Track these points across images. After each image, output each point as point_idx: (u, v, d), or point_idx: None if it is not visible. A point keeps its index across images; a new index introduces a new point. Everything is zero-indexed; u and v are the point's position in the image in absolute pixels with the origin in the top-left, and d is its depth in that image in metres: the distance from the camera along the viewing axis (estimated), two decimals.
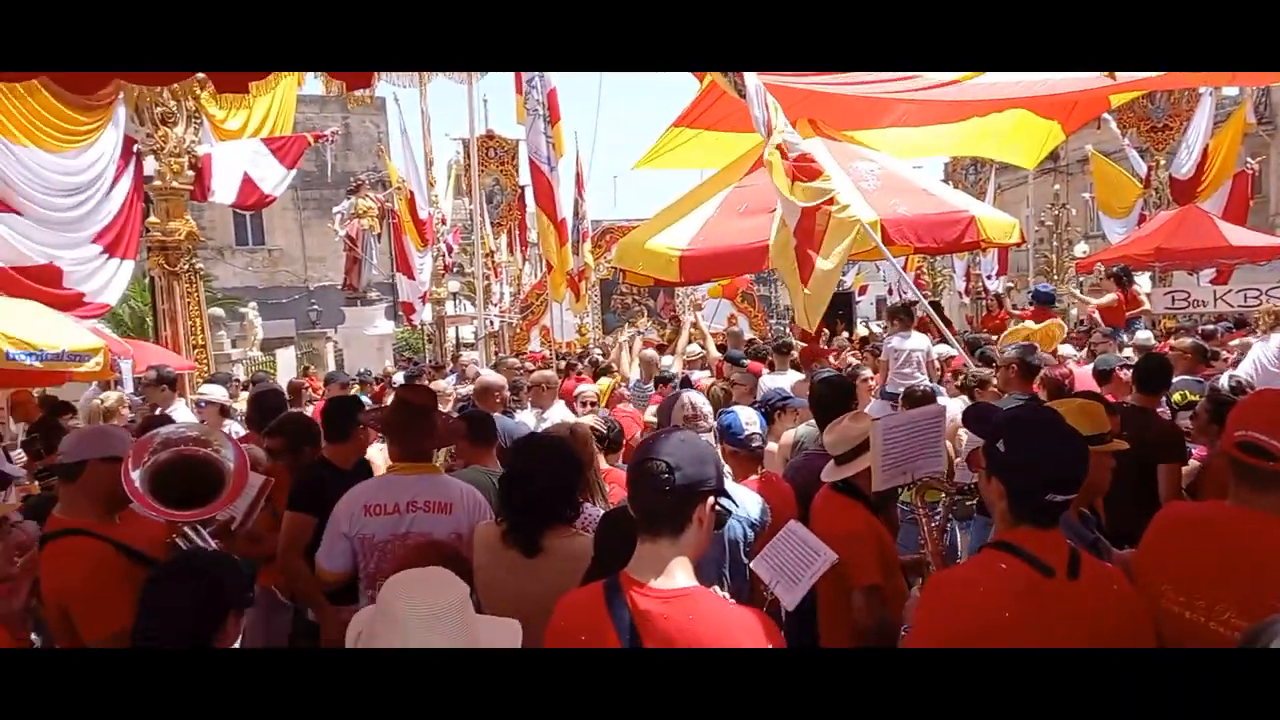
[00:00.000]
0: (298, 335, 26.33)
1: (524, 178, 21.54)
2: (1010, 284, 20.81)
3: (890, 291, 29.14)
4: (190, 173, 9.28)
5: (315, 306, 27.75)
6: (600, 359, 10.99)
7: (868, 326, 14.39)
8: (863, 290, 28.43)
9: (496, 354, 15.08)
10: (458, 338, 25.87)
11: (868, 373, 7.12)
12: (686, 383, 7.27)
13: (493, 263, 21.02)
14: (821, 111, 8.37)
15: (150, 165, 9.04)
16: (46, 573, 2.90)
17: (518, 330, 22.22)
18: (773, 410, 5.02)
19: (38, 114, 7.18)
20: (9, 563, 2.27)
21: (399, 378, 10.68)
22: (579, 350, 15.88)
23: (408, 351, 24.41)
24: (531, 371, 9.63)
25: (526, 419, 6.30)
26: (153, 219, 9.30)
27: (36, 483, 5.37)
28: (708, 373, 8.48)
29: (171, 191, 9.19)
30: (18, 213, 7.60)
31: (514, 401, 7.10)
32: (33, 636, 3.47)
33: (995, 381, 5.78)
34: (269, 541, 3.78)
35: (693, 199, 8.52)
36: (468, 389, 8.11)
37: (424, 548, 2.67)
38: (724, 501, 1.97)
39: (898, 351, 7.64)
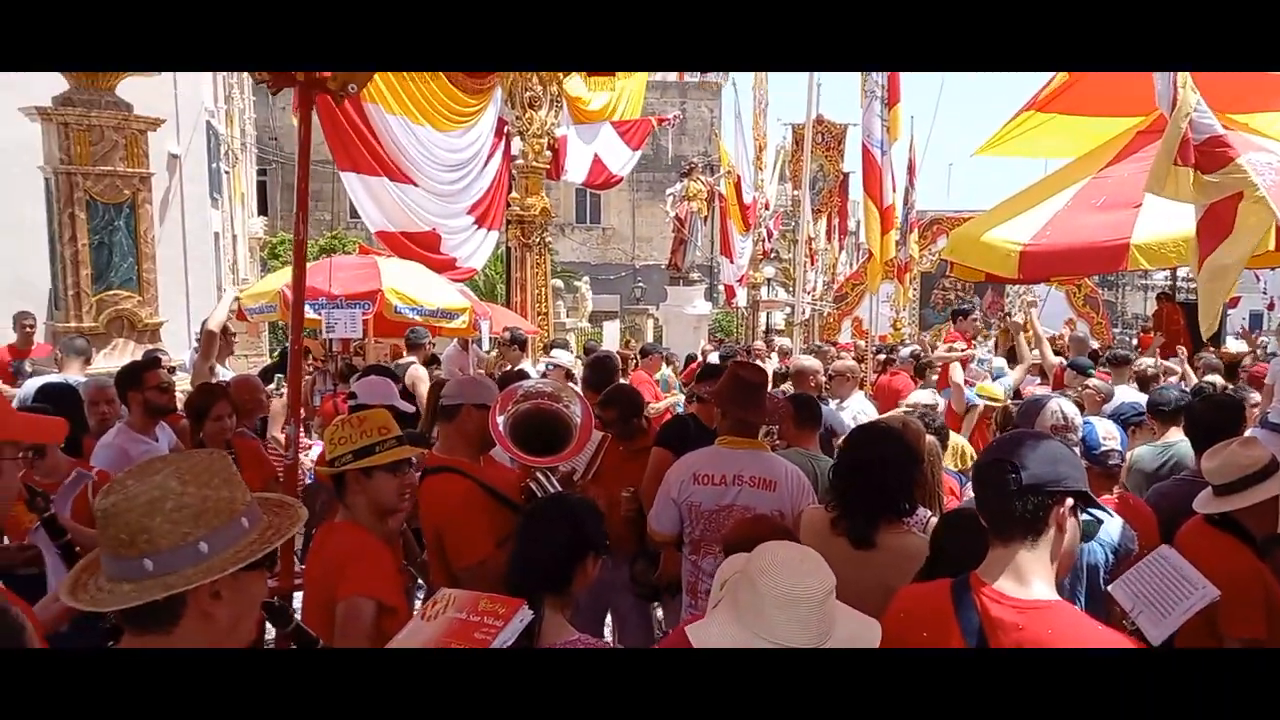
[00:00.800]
0: (622, 310, 28.01)
1: (849, 164, 21.20)
2: None
3: (1271, 306, 25.13)
4: (548, 153, 10.15)
5: (640, 283, 29.35)
6: (921, 354, 10.50)
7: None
8: (1234, 302, 24.78)
9: (805, 342, 15.01)
10: (768, 322, 26.11)
11: (1256, 396, 6.19)
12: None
13: (810, 250, 20.91)
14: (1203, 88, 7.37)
15: (515, 145, 10.03)
16: (425, 503, 3.24)
17: (829, 319, 21.94)
18: (1125, 425, 4.54)
19: (435, 96, 8.25)
20: (402, 498, 2.63)
21: (714, 357, 10.96)
22: (890, 344, 15.36)
23: (719, 333, 25.03)
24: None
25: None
26: (513, 195, 10.31)
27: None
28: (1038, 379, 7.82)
29: (531, 170, 10.13)
30: (414, 184, 8.80)
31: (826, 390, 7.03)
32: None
33: None
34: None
35: (1043, 189, 7.84)
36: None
37: (757, 521, 2.73)
38: (1092, 511, 1.80)
39: None
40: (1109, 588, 2.64)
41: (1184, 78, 3.97)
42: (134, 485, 1.43)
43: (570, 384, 7.66)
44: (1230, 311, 18.58)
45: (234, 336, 6.99)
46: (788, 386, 6.11)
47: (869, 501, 2.70)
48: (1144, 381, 6.75)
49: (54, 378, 5.51)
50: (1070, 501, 1.73)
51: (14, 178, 8.76)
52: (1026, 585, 1.72)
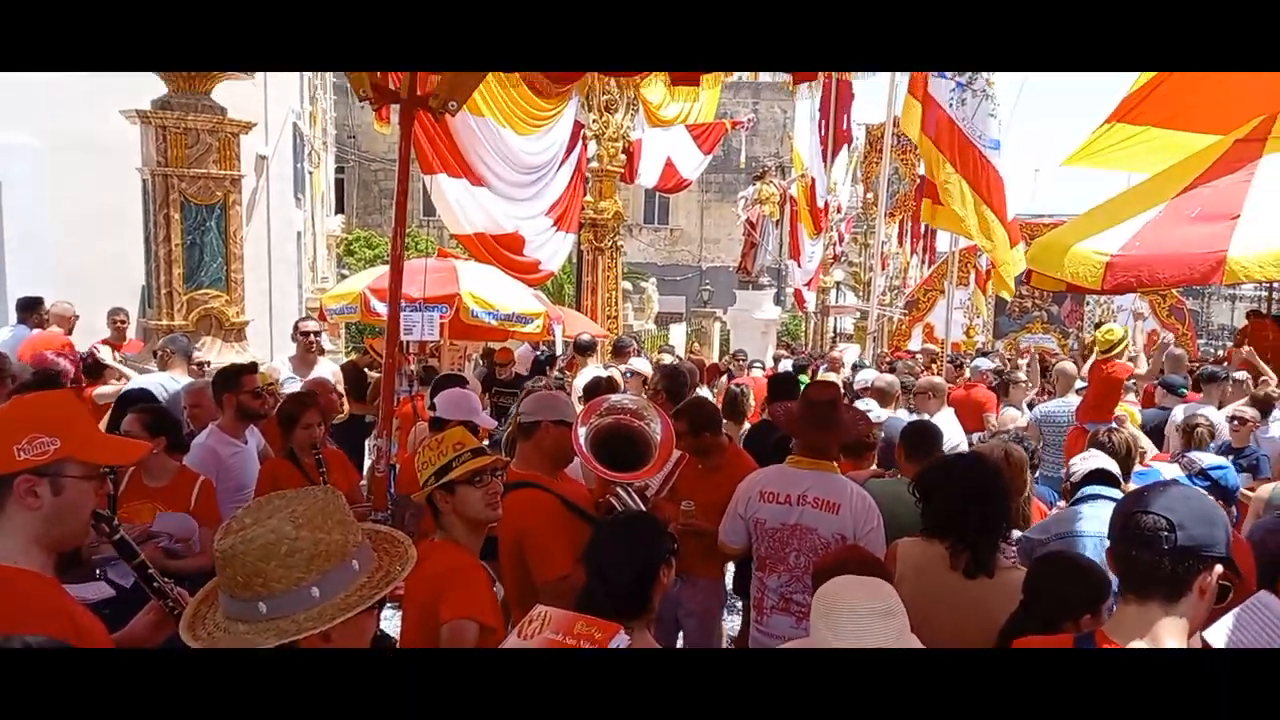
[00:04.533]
0: (688, 312, 27.96)
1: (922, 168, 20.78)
2: None
3: None
4: (623, 157, 10.18)
5: (707, 286, 29.25)
6: (1004, 370, 10.21)
7: None
8: None
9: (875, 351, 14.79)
10: (837, 327, 25.79)
11: None
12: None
13: (881, 254, 20.61)
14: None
15: (590, 148, 10.09)
16: (507, 515, 3.26)
17: (899, 325, 21.59)
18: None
19: (513, 100, 8.33)
20: (491, 507, 2.66)
21: (786, 365, 10.88)
22: (963, 353, 15.03)
23: (786, 337, 24.80)
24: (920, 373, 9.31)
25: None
26: (587, 198, 10.37)
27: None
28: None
29: (605, 173, 10.17)
30: (487, 187, 8.90)
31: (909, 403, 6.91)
32: None
33: None
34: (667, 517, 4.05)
35: (1133, 199, 7.59)
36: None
37: (848, 550, 2.69)
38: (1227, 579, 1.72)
39: None
40: (1203, 634, 2.54)
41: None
42: (251, 528, 1.46)
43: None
44: None
45: (318, 336, 7.13)
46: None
47: (990, 532, 2.68)
48: (1266, 405, 6.46)
49: (158, 377, 5.71)
50: (1219, 569, 1.67)
51: (117, 177, 9.09)
52: (1159, 647, 1.66)
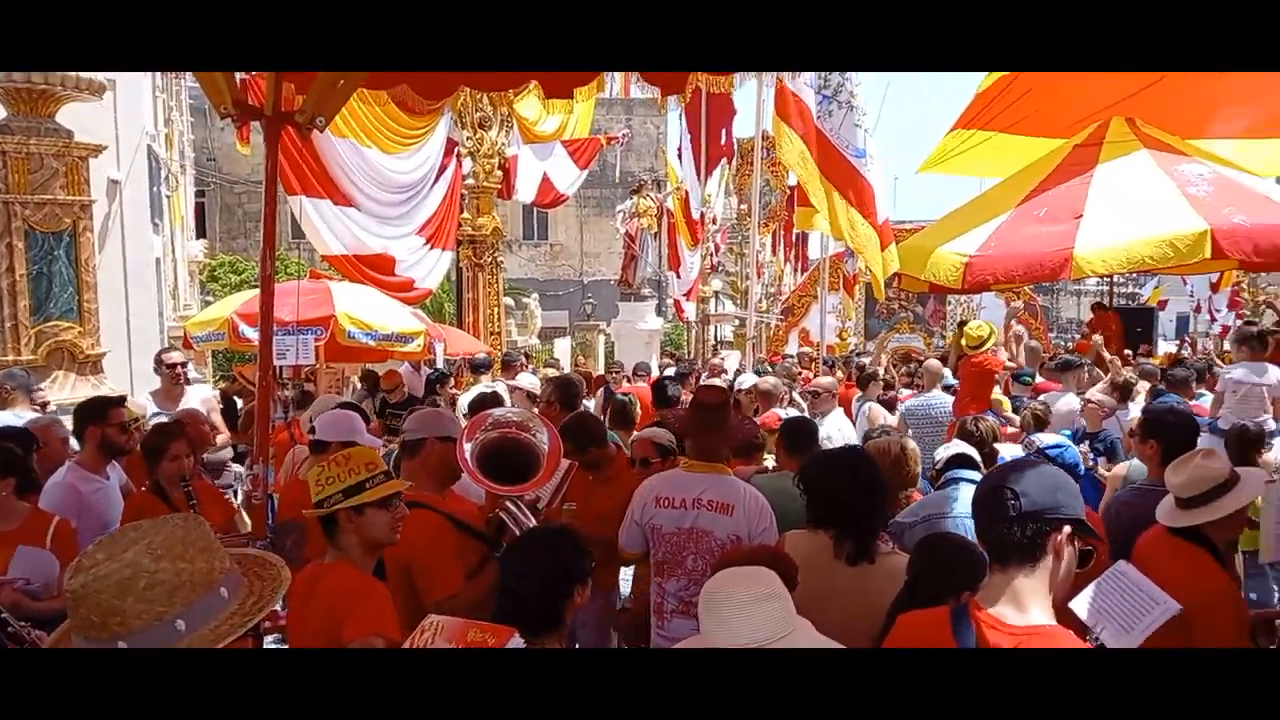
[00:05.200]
0: (572, 325, 27.93)
1: (793, 177, 21.43)
2: None
3: (1198, 309, 26.07)
4: (499, 173, 10.12)
5: (590, 299, 29.30)
6: (864, 363, 10.67)
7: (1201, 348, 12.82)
8: (1162, 305, 25.65)
9: (754, 354, 15.15)
10: (717, 335, 26.26)
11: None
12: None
13: (758, 263, 21.11)
14: (1141, 109, 7.67)
15: (465, 165, 9.98)
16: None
17: (776, 331, 22.17)
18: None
19: (380, 119, 8.16)
20: (393, 532, 2.60)
21: (670, 373, 11.00)
22: (839, 355, 15.61)
23: (669, 346, 25.10)
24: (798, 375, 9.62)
25: None
26: (464, 215, 10.25)
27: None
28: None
29: (482, 190, 10.09)
30: (355, 207, 8.69)
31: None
32: None
33: None
34: None
35: (986, 202, 8.07)
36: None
37: (755, 551, 2.74)
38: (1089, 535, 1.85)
39: (1240, 384, 6.72)
40: (1070, 604, 2.72)
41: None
42: (105, 564, 1.37)
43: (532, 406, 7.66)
44: (1159, 313, 19.27)
45: (184, 366, 6.80)
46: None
47: (870, 520, 2.77)
48: (1125, 390, 6.94)
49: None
50: (1068, 529, 1.77)
51: None
52: (1025, 611, 1.76)
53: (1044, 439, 4.02)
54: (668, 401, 6.51)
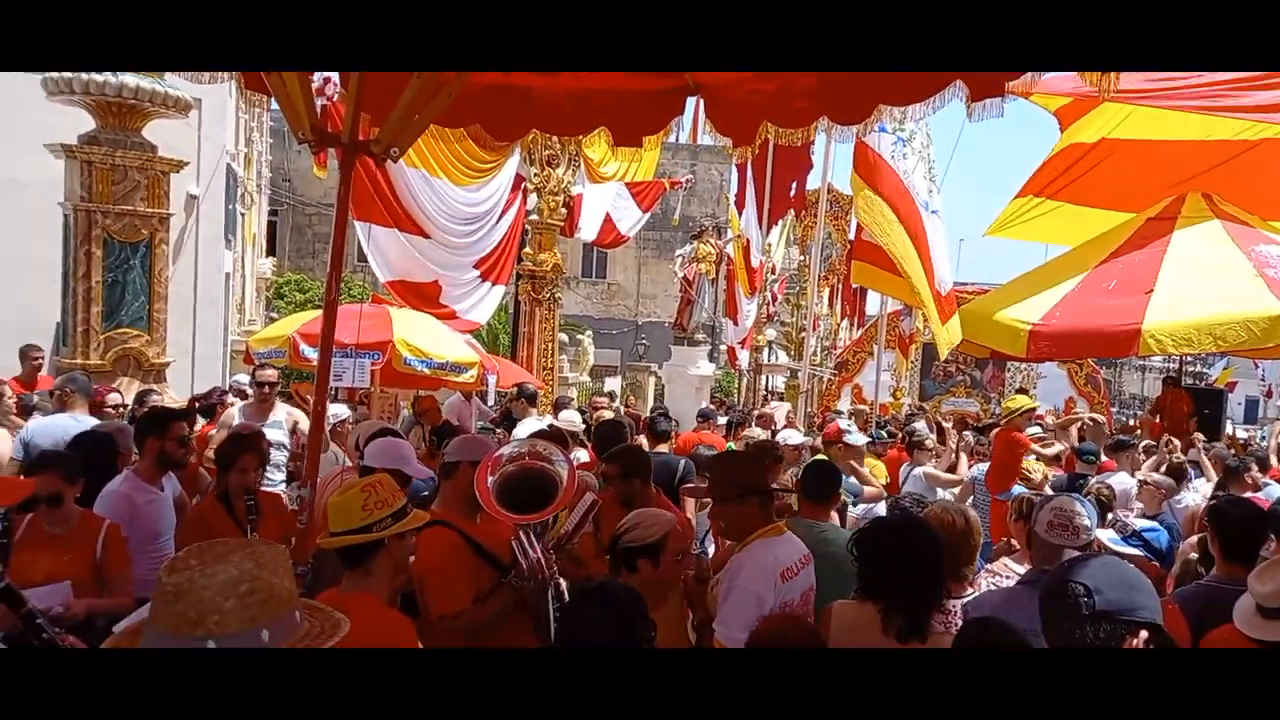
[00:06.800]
0: (623, 365, 28.01)
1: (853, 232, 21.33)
2: None
3: (1269, 394, 25.22)
4: (563, 210, 10.24)
5: (643, 340, 29.39)
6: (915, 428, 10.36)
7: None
8: (1231, 386, 24.86)
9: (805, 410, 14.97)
10: (769, 385, 26.09)
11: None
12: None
13: (813, 316, 20.99)
14: (1219, 185, 7.48)
15: (531, 201, 10.12)
16: (416, 555, 3.26)
17: (829, 385, 21.94)
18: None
19: (454, 151, 8.33)
20: (410, 559, 2.60)
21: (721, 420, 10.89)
22: (890, 415, 15.34)
23: (719, 393, 24.98)
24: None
25: None
26: (526, 250, 10.38)
27: None
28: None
29: (546, 226, 10.21)
30: (425, 235, 8.85)
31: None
32: None
33: None
34: (591, 567, 3.96)
35: (1053, 270, 7.91)
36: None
37: (787, 620, 2.65)
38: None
39: None
40: None
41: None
42: (211, 564, 1.42)
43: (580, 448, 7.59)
44: (1229, 396, 18.67)
45: (274, 388, 6.86)
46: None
47: (923, 596, 2.65)
48: (1178, 474, 6.67)
49: (58, 418, 5.46)
50: (1145, 634, 1.67)
51: (29, 215, 8.83)
52: None
53: (1136, 521, 3.80)
54: (662, 436, 6.46)
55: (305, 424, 6.08)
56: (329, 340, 3.32)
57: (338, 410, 8.30)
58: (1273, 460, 7.89)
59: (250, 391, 6.85)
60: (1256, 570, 2.71)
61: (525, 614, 3.13)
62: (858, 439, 7.03)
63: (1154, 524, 3.60)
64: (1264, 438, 10.74)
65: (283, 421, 6.37)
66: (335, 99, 6.24)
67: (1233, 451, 8.03)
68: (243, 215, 16.27)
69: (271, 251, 28.84)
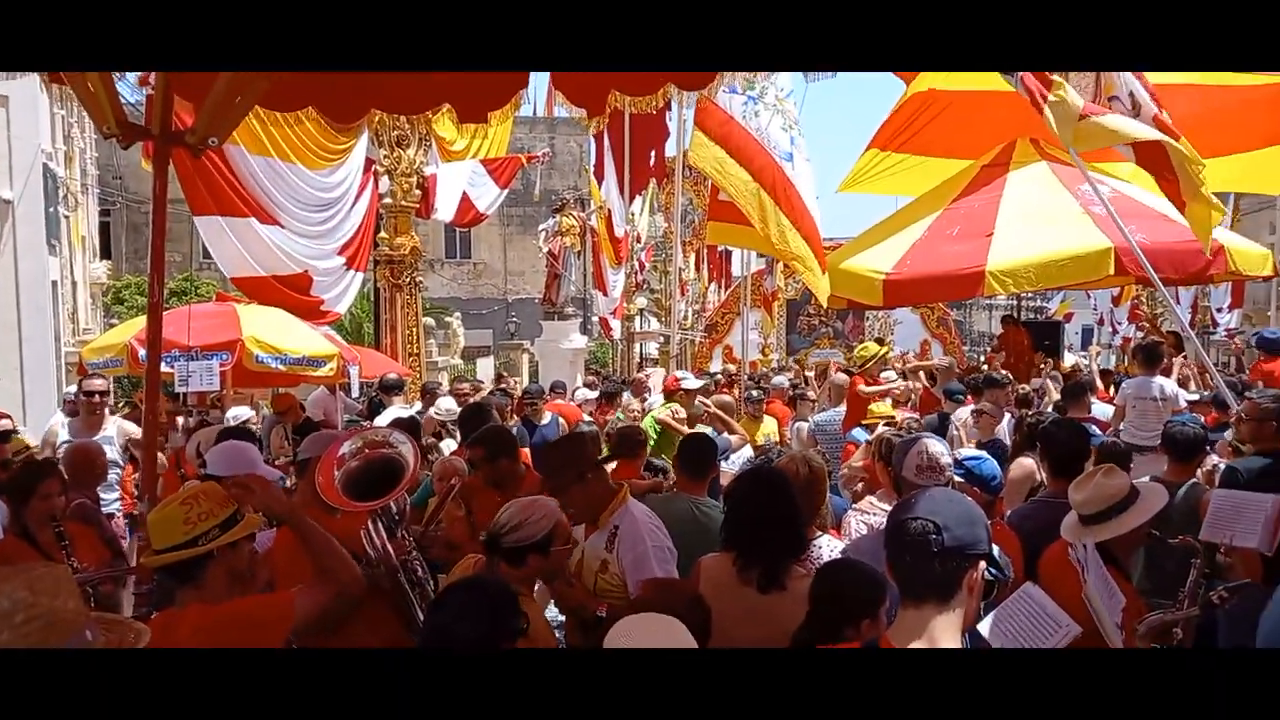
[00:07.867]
0: (495, 345, 27.64)
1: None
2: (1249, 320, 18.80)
3: (1101, 322, 27.15)
4: (418, 192, 9.93)
5: (514, 318, 29.05)
6: (784, 381, 10.68)
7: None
8: (1068, 317, 26.62)
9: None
10: (642, 352, 26.30)
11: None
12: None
13: (681, 281, 21.23)
14: (1045, 130, 7.90)
15: (383, 184, 9.77)
16: (272, 557, 3.09)
17: (700, 348, 22.31)
18: None
19: (302, 136, 7.92)
20: (252, 562, 2.49)
21: (585, 393, 10.86)
22: (761, 371, 15.76)
23: (595, 364, 25.03)
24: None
25: None
26: (382, 234, 10.02)
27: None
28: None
29: (400, 209, 9.89)
30: (280, 225, 8.41)
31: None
32: None
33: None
34: (465, 549, 3.87)
35: (899, 221, 8.23)
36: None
37: (664, 585, 2.66)
38: (993, 570, 1.82)
39: (1138, 398, 6.93)
40: (978, 627, 2.70)
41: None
42: None
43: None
44: (1065, 326, 20.04)
45: (105, 396, 6.39)
46: None
47: (776, 544, 2.70)
48: (1025, 402, 7.10)
49: None
50: (983, 565, 1.73)
51: None
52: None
53: (962, 451, 4.02)
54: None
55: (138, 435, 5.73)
56: (156, 345, 3.10)
57: (238, 413, 7.89)
58: (1097, 382, 8.55)
59: (79, 403, 6.32)
60: (1075, 482, 2.93)
61: (384, 600, 3.08)
62: (693, 383, 7.48)
63: (980, 452, 3.84)
64: (1088, 364, 11.55)
65: (114, 436, 5.94)
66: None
67: (1061, 377, 8.64)
68: (67, 217, 15.09)
69: (106, 254, 26.92)
